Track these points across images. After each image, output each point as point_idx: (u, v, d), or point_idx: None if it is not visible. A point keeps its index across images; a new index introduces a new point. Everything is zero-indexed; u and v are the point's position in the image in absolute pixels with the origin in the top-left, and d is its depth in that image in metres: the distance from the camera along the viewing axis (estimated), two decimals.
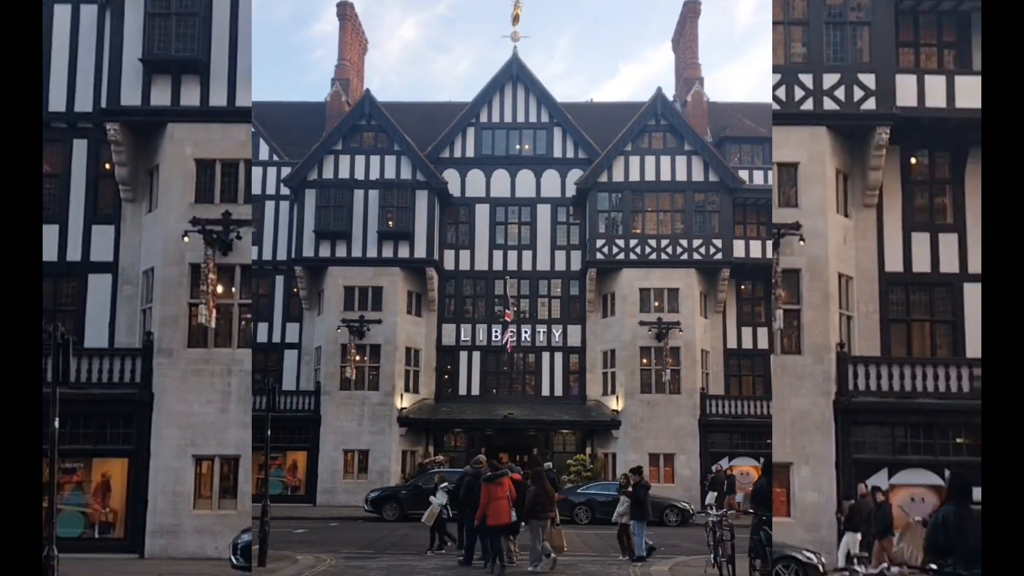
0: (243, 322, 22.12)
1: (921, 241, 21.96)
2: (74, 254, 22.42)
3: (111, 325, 22.42)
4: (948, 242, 22.06)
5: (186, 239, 21.10)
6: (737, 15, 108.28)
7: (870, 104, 21.32)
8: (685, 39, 44.00)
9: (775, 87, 21.70)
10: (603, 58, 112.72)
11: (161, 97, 21.93)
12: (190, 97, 21.93)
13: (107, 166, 22.73)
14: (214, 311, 20.94)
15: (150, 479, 20.58)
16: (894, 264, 22.01)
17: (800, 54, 21.92)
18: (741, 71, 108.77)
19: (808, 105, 21.60)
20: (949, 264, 21.95)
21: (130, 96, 21.96)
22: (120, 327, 22.42)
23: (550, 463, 28.47)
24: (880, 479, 19.89)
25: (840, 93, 21.49)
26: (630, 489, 19.51)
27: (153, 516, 20.38)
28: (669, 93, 41.87)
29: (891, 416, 20.27)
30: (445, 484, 20.76)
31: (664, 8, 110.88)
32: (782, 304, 20.49)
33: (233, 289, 21.85)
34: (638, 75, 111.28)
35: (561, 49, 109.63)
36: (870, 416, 20.29)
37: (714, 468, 34.06)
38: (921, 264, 21.87)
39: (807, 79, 21.64)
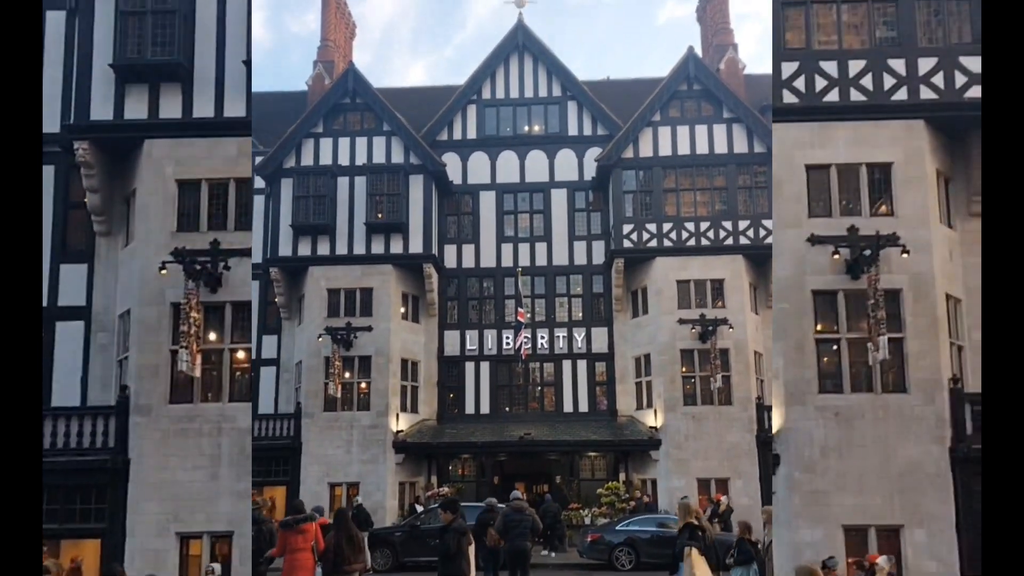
0: (239, 372, 21.59)
1: None
2: None
3: (83, 380, 21.91)
4: None
5: (163, 272, 20.49)
6: None
7: (975, 92, 20.93)
8: (714, 2, 43.54)
9: (858, 75, 21.48)
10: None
11: (137, 109, 21.40)
12: (170, 109, 21.40)
13: (86, 200, 22.19)
14: (198, 357, 20.31)
15: (126, 563, 19.72)
16: None
17: (887, 38, 21.62)
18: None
19: (901, 95, 21.28)
20: None
21: (101, 110, 21.42)
22: (94, 382, 21.91)
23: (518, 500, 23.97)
24: None
25: (939, 80, 21.16)
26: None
27: None
28: None
29: None
30: None
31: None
32: (886, 331, 20.06)
33: (224, 331, 21.35)
34: None
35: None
36: None
37: None
38: None
39: (898, 64, 21.34)
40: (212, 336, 21.23)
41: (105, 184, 21.99)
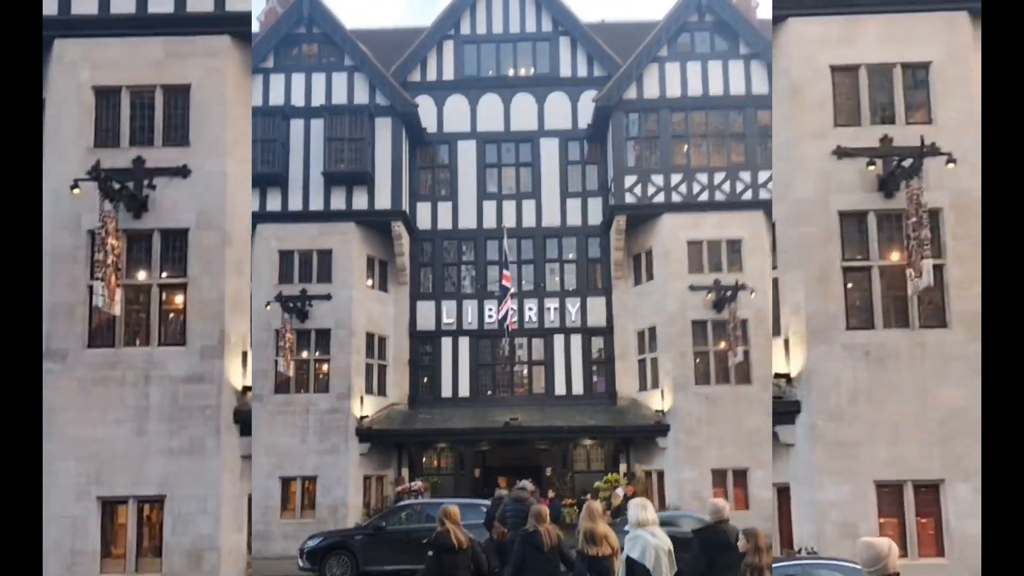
0: (171, 313, 21.25)
1: None
2: None
3: None
4: None
5: (76, 191, 20.16)
6: None
7: None
8: None
9: None
10: None
11: (46, 3, 20.84)
12: (85, 2, 21.12)
13: None
14: (118, 292, 20.04)
15: (42, 531, 19.50)
16: None
17: None
18: None
19: None
20: None
21: None
22: None
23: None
24: None
25: None
26: None
27: None
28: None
29: None
30: None
31: None
32: (928, 255, 19.54)
33: (152, 264, 21.04)
34: None
35: None
36: None
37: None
38: None
39: None
40: (142, 275, 21.03)
41: None
